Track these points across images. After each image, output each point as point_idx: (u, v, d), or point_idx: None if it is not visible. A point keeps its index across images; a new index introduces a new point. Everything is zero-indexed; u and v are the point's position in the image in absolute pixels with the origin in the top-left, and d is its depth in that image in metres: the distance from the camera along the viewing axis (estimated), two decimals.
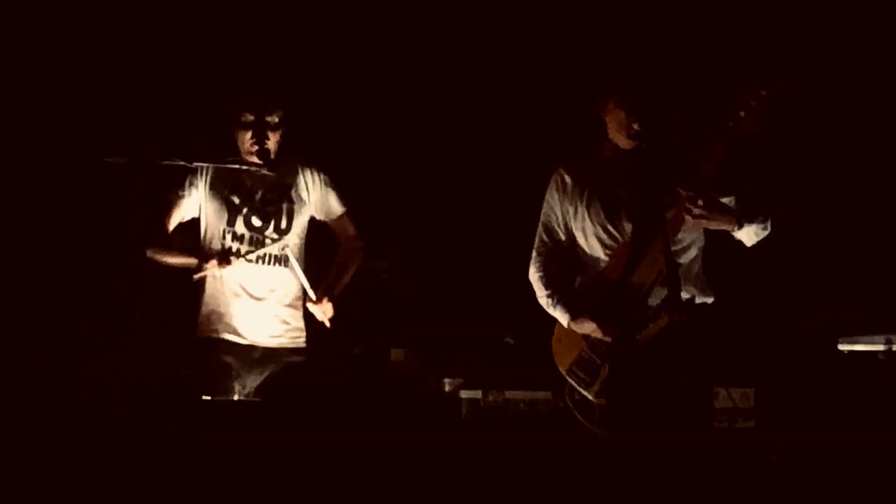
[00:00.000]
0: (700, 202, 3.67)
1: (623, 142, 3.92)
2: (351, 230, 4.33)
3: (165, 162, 3.76)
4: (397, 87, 5.43)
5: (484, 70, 5.41)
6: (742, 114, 3.63)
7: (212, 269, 4.05)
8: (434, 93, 5.43)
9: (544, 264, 4.05)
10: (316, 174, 4.25)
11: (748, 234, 3.82)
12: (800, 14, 5.12)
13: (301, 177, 4.23)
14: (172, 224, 4.16)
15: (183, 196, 4.14)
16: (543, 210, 4.08)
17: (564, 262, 4.05)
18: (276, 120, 4.13)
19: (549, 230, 4.06)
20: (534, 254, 4.08)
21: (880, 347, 4.72)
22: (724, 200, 3.81)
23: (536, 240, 4.09)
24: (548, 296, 4.02)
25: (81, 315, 4.83)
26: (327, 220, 4.30)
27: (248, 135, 4.10)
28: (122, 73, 5.14)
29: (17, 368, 4.26)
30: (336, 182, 4.29)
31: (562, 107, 5.02)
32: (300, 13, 5.26)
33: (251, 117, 4.11)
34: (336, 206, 4.30)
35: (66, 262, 5.06)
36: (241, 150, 4.13)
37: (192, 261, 4.08)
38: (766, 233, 3.83)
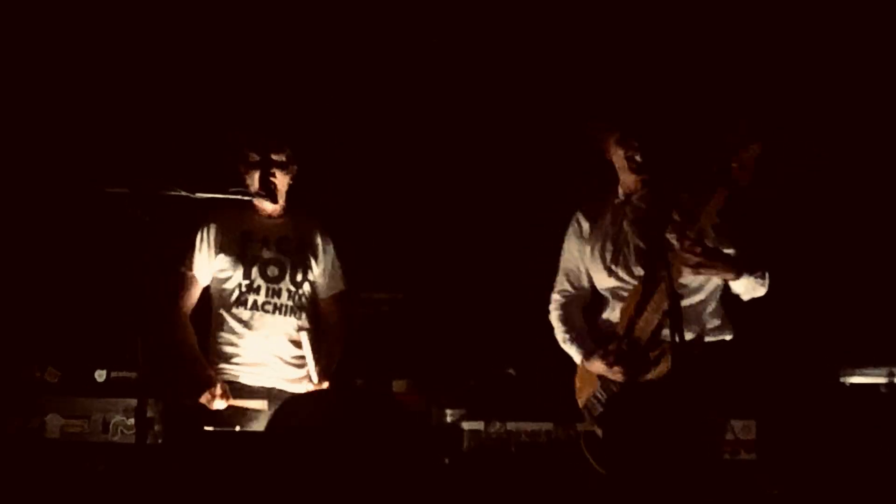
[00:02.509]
0: (697, 251, 3.67)
1: (630, 180, 3.93)
2: (338, 315, 4.27)
3: (167, 192, 3.70)
4: (400, 119, 5.46)
5: (484, 103, 5.44)
6: (735, 165, 3.62)
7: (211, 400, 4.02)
8: (436, 125, 5.46)
9: (563, 307, 4.11)
10: (330, 244, 4.24)
11: (745, 287, 3.80)
12: (797, 67, 5.15)
13: (318, 239, 4.22)
14: (188, 303, 4.14)
15: (192, 274, 4.13)
16: (563, 255, 4.13)
17: (581, 304, 4.11)
18: (284, 159, 4.12)
19: (569, 275, 4.11)
20: (555, 295, 4.14)
21: (882, 380, 4.72)
22: (727, 251, 3.80)
23: (557, 283, 4.15)
24: (565, 335, 4.07)
25: (81, 345, 4.83)
26: (322, 295, 4.25)
27: (256, 174, 4.09)
28: (126, 105, 5.17)
29: (18, 390, 4.25)
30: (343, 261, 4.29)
31: (564, 143, 5.04)
32: (305, 52, 5.30)
33: (257, 157, 4.10)
34: (338, 282, 4.27)
35: (69, 293, 5.07)
36: (249, 190, 4.09)
37: (195, 374, 4.05)
38: (763, 290, 3.80)
